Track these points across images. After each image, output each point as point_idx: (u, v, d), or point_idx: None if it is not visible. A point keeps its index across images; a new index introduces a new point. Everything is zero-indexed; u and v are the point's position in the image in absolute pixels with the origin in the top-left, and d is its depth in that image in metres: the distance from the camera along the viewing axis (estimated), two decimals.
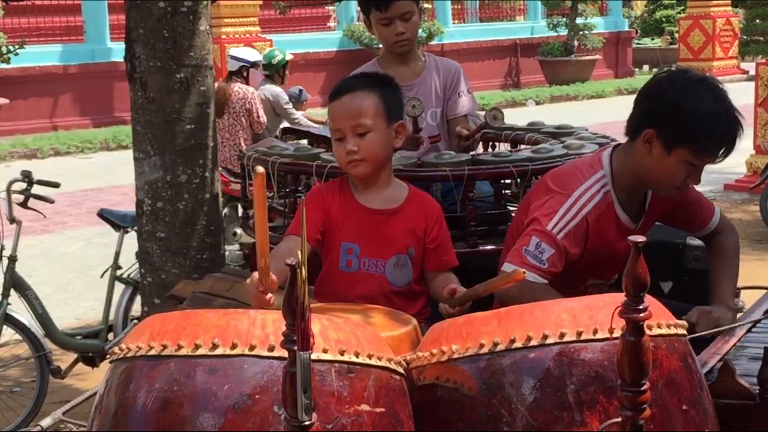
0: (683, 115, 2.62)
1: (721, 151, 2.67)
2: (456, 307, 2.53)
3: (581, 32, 21.10)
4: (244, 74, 8.12)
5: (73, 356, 5.06)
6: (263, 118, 7.83)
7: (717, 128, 2.63)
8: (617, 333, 1.66)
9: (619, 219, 2.81)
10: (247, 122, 7.76)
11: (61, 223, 9.45)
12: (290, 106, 8.31)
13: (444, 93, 3.72)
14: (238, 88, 7.86)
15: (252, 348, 1.82)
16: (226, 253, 4.46)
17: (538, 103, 17.74)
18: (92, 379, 5.04)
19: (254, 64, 8.23)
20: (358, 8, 19.78)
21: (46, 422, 2.98)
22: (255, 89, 8.06)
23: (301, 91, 9.07)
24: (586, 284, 2.88)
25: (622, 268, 2.85)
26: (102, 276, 5.23)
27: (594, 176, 2.79)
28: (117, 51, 15.57)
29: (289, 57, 8.74)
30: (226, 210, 6.97)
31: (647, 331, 1.61)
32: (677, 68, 2.87)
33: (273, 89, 8.34)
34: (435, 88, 3.70)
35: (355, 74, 2.90)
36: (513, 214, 3.14)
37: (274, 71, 8.52)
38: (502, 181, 3.41)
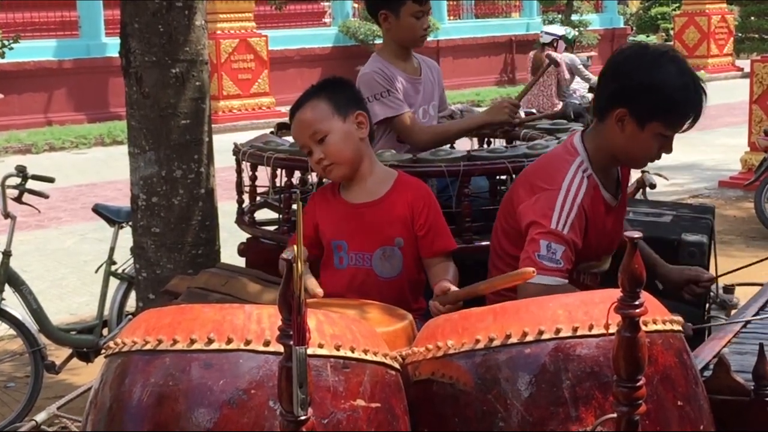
0: (654, 92, 2.68)
1: (691, 119, 2.74)
2: (447, 305, 2.51)
3: (576, 29, 21.11)
4: (554, 45, 11.07)
5: (68, 351, 5.05)
6: (567, 75, 10.74)
7: (687, 99, 2.70)
8: (613, 329, 1.66)
9: (604, 199, 2.86)
10: (555, 79, 10.62)
11: (56, 218, 9.44)
12: (582, 67, 11.40)
13: (438, 89, 3.78)
14: (548, 54, 10.25)
15: (248, 343, 1.82)
16: None
17: None
18: (86, 375, 5.03)
19: (562, 37, 11.11)
20: (354, 4, 19.57)
21: (40, 417, 2.98)
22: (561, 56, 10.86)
23: (588, 57, 14.29)
24: (578, 268, 2.89)
25: (611, 246, 2.88)
26: (96, 271, 5.23)
27: (574, 164, 2.80)
28: (112, 46, 15.55)
29: (575, 34, 12.29)
30: None
31: (643, 327, 1.61)
32: (636, 44, 2.91)
33: (571, 56, 11.51)
34: (432, 85, 3.76)
35: (297, 100, 2.97)
36: None
37: (569, 43, 11.90)
38: (498, 177, 3.41)
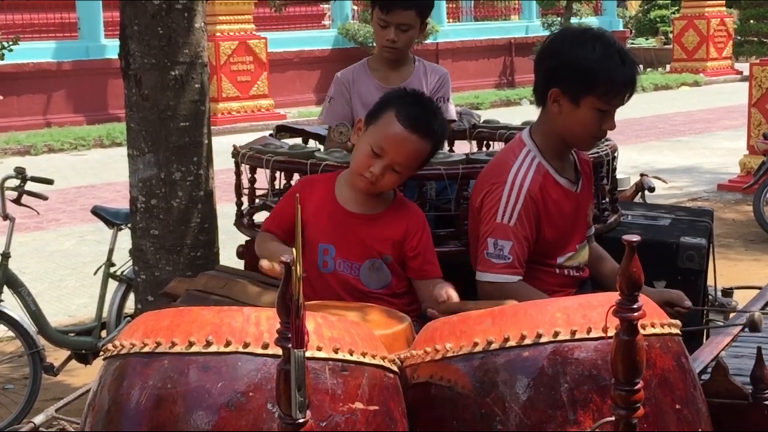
0: (580, 66, 2.74)
1: (625, 91, 2.78)
2: (444, 314, 2.50)
3: None
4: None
5: (66, 353, 5.05)
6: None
7: (613, 69, 2.74)
8: (611, 332, 1.66)
9: (560, 184, 2.89)
10: None
11: (55, 220, 9.43)
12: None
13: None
14: None
15: (246, 345, 1.82)
16: None
17: (532, 103, 17.73)
18: (85, 376, 5.03)
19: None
20: (354, 6, 19.71)
21: (38, 419, 2.97)
22: None
23: None
24: (560, 264, 2.91)
25: (580, 235, 2.93)
26: (95, 273, 5.22)
27: (521, 154, 2.86)
28: (111, 48, 15.55)
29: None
30: None
31: (641, 331, 1.61)
32: (563, 27, 2.98)
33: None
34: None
35: (425, 115, 2.79)
36: None
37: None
38: None
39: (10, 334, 4.91)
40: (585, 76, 2.73)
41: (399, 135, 2.73)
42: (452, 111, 3.82)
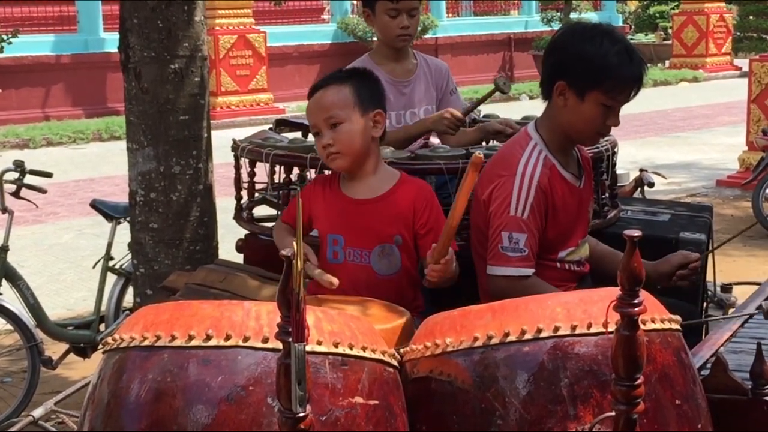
0: (587, 60, 2.75)
1: (631, 88, 2.79)
2: (439, 261, 2.55)
3: None
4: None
5: (65, 347, 5.05)
6: None
7: (620, 65, 2.75)
8: (612, 327, 1.66)
9: (565, 179, 2.89)
10: None
11: (53, 213, 9.43)
12: None
13: (436, 92, 3.75)
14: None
15: (246, 339, 1.82)
16: None
17: (531, 98, 17.74)
18: (83, 370, 5.03)
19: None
20: (353, 0, 19.66)
21: (37, 412, 2.98)
22: None
23: None
24: (561, 259, 2.90)
25: (583, 230, 2.94)
26: (94, 267, 5.22)
27: (528, 147, 2.85)
28: (110, 41, 15.52)
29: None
30: None
31: (641, 326, 1.61)
32: (573, 22, 2.99)
33: None
34: (427, 86, 3.73)
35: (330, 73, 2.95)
36: None
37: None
38: None
39: (9, 327, 4.90)
40: (592, 70, 2.73)
41: (309, 104, 2.88)
42: (460, 102, 3.83)
